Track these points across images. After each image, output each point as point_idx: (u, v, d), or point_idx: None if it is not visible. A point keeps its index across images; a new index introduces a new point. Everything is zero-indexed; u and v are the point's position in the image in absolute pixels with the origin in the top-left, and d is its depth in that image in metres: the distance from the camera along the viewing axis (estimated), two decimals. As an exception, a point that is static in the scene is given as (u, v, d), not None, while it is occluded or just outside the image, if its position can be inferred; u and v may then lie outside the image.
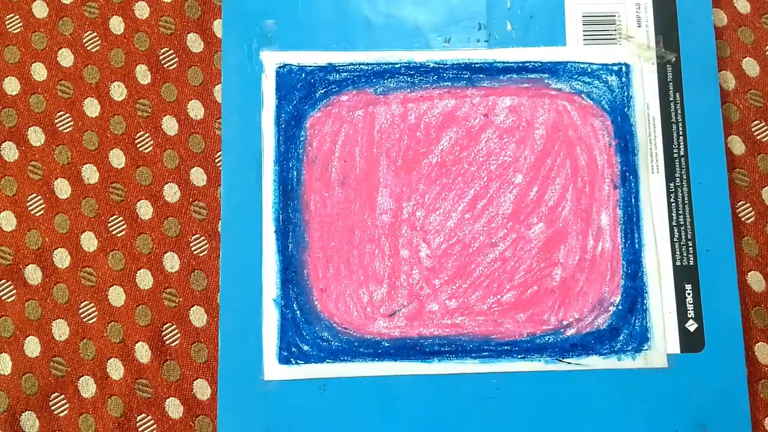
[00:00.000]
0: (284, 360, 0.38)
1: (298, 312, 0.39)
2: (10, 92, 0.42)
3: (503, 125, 0.41)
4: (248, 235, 0.39)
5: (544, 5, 0.42)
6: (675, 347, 0.38)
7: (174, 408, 0.39)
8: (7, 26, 0.42)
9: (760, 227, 0.41)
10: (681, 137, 0.40)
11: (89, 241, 0.40)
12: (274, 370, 0.38)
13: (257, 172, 0.40)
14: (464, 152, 0.40)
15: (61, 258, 0.40)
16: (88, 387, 0.39)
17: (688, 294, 0.39)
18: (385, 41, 0.41)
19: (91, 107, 0.42)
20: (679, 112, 0.41)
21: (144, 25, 0.42)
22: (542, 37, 0.41)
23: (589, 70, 0.41)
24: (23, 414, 0.39)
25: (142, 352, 0.39)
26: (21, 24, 0.42)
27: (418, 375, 0.38)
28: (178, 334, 0.39)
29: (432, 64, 0.41)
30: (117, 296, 0.40)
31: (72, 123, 0.41)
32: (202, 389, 0.39)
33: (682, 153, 0.40)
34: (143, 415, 0.39)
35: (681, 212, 0.40)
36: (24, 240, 0.40)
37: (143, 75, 0.42)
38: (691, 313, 0.39)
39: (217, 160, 0.41)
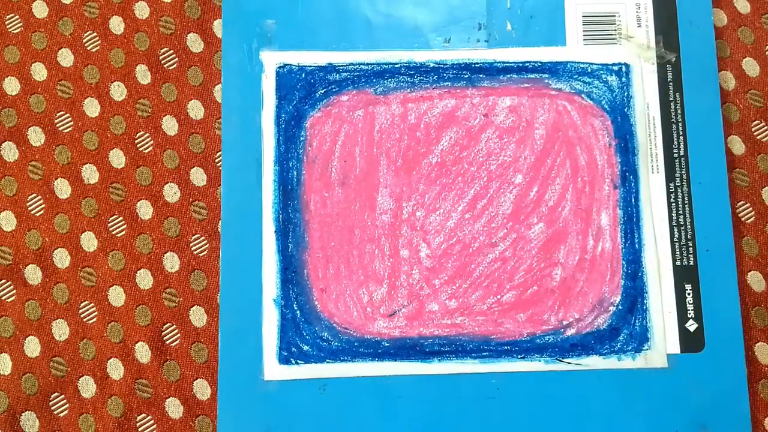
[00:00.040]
0: (284, 360, 0.38)
1: (298, 312, 0.39)
2: (10, 92, 0.42)
3: (503, 125, 0.41)
4: (248, 235, 0.39)
5: (544, 5, 0.42)
6: (675, 347, 0.38)
7: (174, 408, 0.39)
8: (7, 26, 0.42)
9: (760, 227, 0.41)
10: (681, 137, 0.40)
11: (89, 241, 0.40)
12: (274, 370, 0.38)
13: (257, 172, 0.40)
14: (464, 152, 0.40)
15: (61, 258, 0.40)
16: (88, 387, 0.39)
17: (688, 294, 0.39)
18: (385, 41, 0.41)
19: (91, 107, 0.42)
20: (679, 112, 0.41)
21: (144, 25, 0.42)
22: (542, 37, 0.41)
23: (589, 70, 0.41)
24: (23, 414, 0.39)
25: (142, 352, 0.39)
26: (21, 24, 0.42)
27: (418, 375, 0.38)
28: (178, 334, 0.39)
29: (432, 64, 0.41)
30: (117, 296, 0.40)
31: (72, 123, 0.41)
32: (202, 389, 0.39)
33: (682, 153, 0.40)
34: (143, 415, 0.39)
35: (681, 212, 0.40)
36: (24, 240, 0.40)
37: (143, 75, 0.42)
38: (691, 313, 0.39)
39: (217, 160, 0.41)
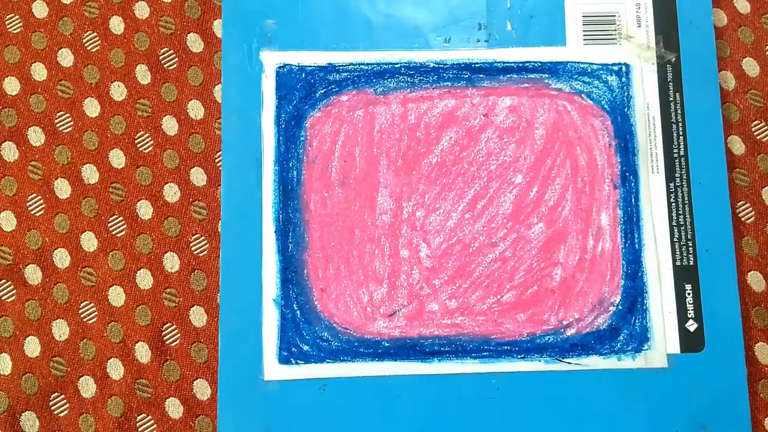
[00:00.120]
0: (284, 360, 0.38)
1: (298, 312, 0.39)
2: (10, 92, 0.42)
3: (503, 125, 0.41)
4: (248, 235, 0.39)
5: (544, 5, 0.42)
6: (675, 347, 0.38)
7: (174, 408, 0.39)
8: (7, 26, 0.42)
9: (760, 227, 0.41)
10: (681, 137, 0.40)
11: (89, 241, 0.40)
12: (274, 370, 0.38)
13: (257, 172, 0.40)
14: (464, 152, 0.40)
15: (61, 258, 0.40)
16: (88, 387, 0.39)
17: (688, 294, 0.39)
18: (385, 41, 0.41)
19: (91, 107, 0.42)
20: (679, 112, 0.41)
21: (144, 25, 0.42)
22: (542, 37, 0.41)
23: (589, 70, 0.41)
24: (23, 414, 0.39)
25: (142, 352, 0.39)
26: (21, 24, 0.42)
27: (418, 375, 0.38)
28: (178, 334, 0.39)
29: (432, 64, 0.41)
30: (117, 296, 0.40)
31: (72, 123, 0.41)
32: (202, 389, 0.39)
33: (682, 153, 0.40)
34: (143, 415, 0.39)
35: (681, 212, 0.40)
36: (24, 240, 0.40)
37: (143, 75, 0.42)
38: (691, 313, 0.39)
39: (217, 160, 0.41)
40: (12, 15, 0.43)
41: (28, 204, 0.41)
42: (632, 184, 0.40)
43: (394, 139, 0.40)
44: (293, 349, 0.38)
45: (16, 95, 0.42)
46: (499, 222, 0.40)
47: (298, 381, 0.38)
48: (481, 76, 0.41)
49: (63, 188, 0.41)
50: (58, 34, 0.42)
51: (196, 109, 0.42)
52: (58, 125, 0.41)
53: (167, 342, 0.39)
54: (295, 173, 0.40)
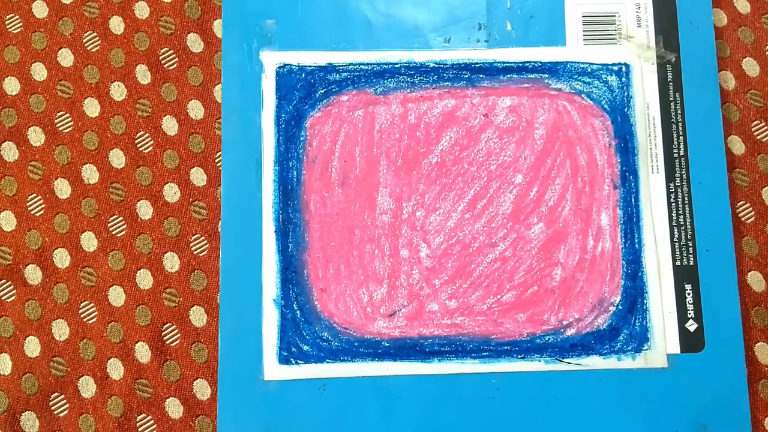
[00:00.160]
0: (284, 360, 0.38)
1: (298, 312, 0.39)
2: (10, 92, 0.42)
3: (503, 125, 0.41)
4: (248, 235, 0.39)
5: (544, 5, 0.42)
6: (675, 347, 0.38)
7: (174, 408, 0.39)
8: (7, 26, 0.42)
9: (760, 227, 0.41)
10: (681, 137, 0.40)
11: (89, 241, 0.40)
12: (274, 370, 0.38)
13: (257, 172, 0.40)
14: (464, 152, 0.40)
15: (61, 258, 0.40)
16: (88, 387, 0.39)
17: (688, 294, 0.39)
18: (385, 41, 0.41)
19: (91, 107, 0.42)
20: (679, 112, 0.41)
21: (144, 25, 0.42)
22: (542, 37, 0.41)
23: (589, 70, 0.41)
24: (23, 414, 0.39)
25: (142, 352, 0.39)
26: (21, 24, 0.42)
27: (418, 375, 0.38)
28: (178, 334, 0.39)
29: (432, 64, 0.41)
30: (117, 296, 0.40)
31: (72, 123, 0.41)
32: (202, 389, 0.39)
33: (682, 153, 0.40)
34: (143, 415, 0.39)
35: (681, 212, 0.40)
36: (24, 240, 0.40)
37: (143, 75, 0.42)
38: (691, 313, 0.39)
39: (217, 160, 0.41)
40: (12, 15, 0.43)
41: (28, 204, 0.41)
42: (632, 184, 0.40)
43: (394, 139, 0.40)
44: (293, 349, 0.38)
45: (16, 95, 0.42)
46: (499, 222, 0.40)
47: (298, 381, 0.38)
48: (481, 76, 0.41)
49: (63, 188, 0.41)
50: (58, 34, 0.42)
51: (196, 109, 0.42)
52: (58, 125, 0.41)
53: (167, 342, 0.39)
54: (295, 173, 0.40)
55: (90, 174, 0.41)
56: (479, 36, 0.41)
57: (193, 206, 0.41)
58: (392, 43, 0.41)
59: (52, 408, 0.39)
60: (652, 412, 0.38)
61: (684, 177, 0.40)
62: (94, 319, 0.39)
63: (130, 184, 0.41)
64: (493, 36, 0.41)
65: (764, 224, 0.41)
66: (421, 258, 0.39)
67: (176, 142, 0.41)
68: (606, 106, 0.41)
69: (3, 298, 0.40)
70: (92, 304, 0.40)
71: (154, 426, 0.39)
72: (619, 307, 0.39)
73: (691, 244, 0.39)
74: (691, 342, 0.38)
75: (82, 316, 0.39)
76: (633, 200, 0.40)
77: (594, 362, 0.38)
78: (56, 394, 0.39)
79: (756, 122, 0.42)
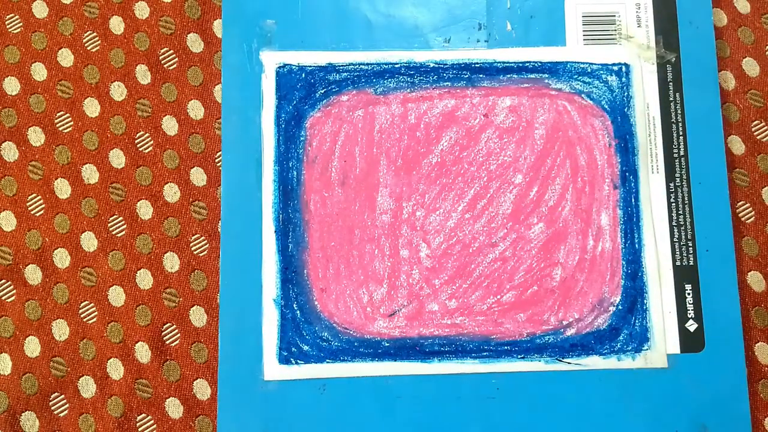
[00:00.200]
0: (284, 360, 0.38)
1: (298, 312, 0.39)
2: (10, 92, 0.42)
3: (503, 125, 0.41)
4: (248, 235, 0.39)
5: (544, 5, 0.42)
6: (675, 347, 0.38)
7: (174, 408, 0.39)
8: (7, 26, 0.42)
9: (760, 227, 0.41)
10: (681, 137, 0.40)
11: (89, 241, 0.40)
12: (274, 370, 0.38)
13: (257, 172, 0.40)
14: (464, 152, 0.40)
15: (61, 258, 0.40)
16: (88, 387, 0.39)
17: (688, 294, 0.39)
18: (385, 41, 0.41)
19: (91, 107, 0.42)
20: (679, 112, 0.41)
21: (144, 25, 0.42)
22: (542, 37, 0.41)
23: (589, 70, 0.41)
24: (23, 414, 0.39)
25: (142, 352, 0.39)
26: (21, 24, 0.42)
27: (418, 375, 0.38)
28: (178, 334, 0.39)
29: (432, 64, 0.41)
30: (117, 296, 0.40)
31: (72, 123, 0.41)
32: (202, 389, 0.39)
33: (682, 153, 0.40)
34: (143, 415, 0.39)
35: (681, 212, 0.40)
36: (24, 240, 0.40)
37: (143, 75, 0.42)
38: (691, 313, 0.39)
39: (217, 160, 0.41)
40: (12, 15, 0.43)
41: (28, 204, 0.41)
42: (632, 184, 0.40)
43: (394, 139, 0.40)
44: (293, 349, 0.38)
45: (16, 95, 0.42)
46: (499, 222, 0.40)
47: (298, 381, 0.38)
48: (481, 76, 0.41)
49: (63, 188, 0.41)
50: (58, 34, 0.42)
51: (196, 109, 0.42)
52: (58, 125, 0.41)
53: (167, 342, 0.39)
54: (295, 173, 0.40)
55: (90, 174, 0.41)
56: (479, 36, 0.41)
57: (193, 206, 0.41)
58: (392, 43, 0.41)
59: (52, 408, 0.39)
60: (652, 412, 0.38)
61: (684, 177, 0.40)
62: (94, 319, 0.39)
63: (130, 184, 0.41)
64: (493, 36, 0.41)
65: (764, 224, 0.41)
66: (421, 258, 0.39)
67: (176, 142, 0.41)
68: (606, 106, 0.41)
69: (3, 298, 0.40)
70: (92, 304, 0.40)
71: (154, 426, 0.39)
72: (619, 307, 0.39)
73: (691, 244, 0.39)
74: (691, 342, 0.38)
75: (82, 316, 0.39)
76: (633, 200, 0.40)
77: (594, 362, 0.38)
78: (56, 394, 0.39)
79: (756, 122, 0.42)
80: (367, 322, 0.39)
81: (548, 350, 0.38)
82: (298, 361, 0.38)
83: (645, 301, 0.39)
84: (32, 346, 0.39)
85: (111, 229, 0.40)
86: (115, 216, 0.40)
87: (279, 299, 0.39)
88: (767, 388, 0.39)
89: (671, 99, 0.41)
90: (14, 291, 0.40)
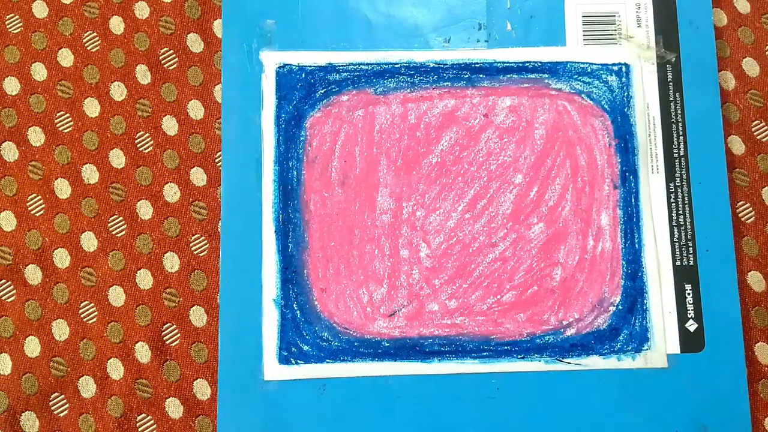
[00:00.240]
0: (284, 360, 0.38)
1: (298, 312, 0.39)
2: (10, 92, 0.42)
3: (503, 125, 0.41)
4: (248, 235, 0.39)
5: (544, 5, 0.42)
6: (675, 347, 0.38)
7: (174, 408, 0.39)
8: (7, 26, 0.42)
9: (760, 227, 0.41)
10: (681, 137, 0.40)
11: (89, 241, 0.40)
12: (274, 370, 0.38)
13: (257, 172, 0.40)
14: (464, 152, 0.40)
15: (61, 258, 0.40)
16: (88, 387, 0.39)
17: (688, 294, 0.39)
18: (385, 41, 0.41)
19: (91, 107, 0.42)
20: (679, 112, 0.41)
21: (144, 25, 0.42)
22: (542, 37, 0.41)
23: (589, 70, 0.41)
24: (23, 414, 0.39)
25: (142, 352, 0.39)
26: (21, 24, 0.42)
27: (418, 375, 0.38)
28: (178, 334, 0.39)
29: (432, 64, 0.41)
30: (117, 296, 0.40)
31: (72, 123, 0.41)
32: (202, 389, 0.39)
33: (682, 153, 0.40)
34: (143, 415, 0.39)
35: (681, 212, 0.40)
36: (24, 240, 0.40)
37: (143, 75, 0.42)
38: (691, 313, 0.39)
39: (217, 160, 0.41)
40: (12, 15, 0.43)
41: (28, 204, 0.41)
42: (632, 184, 0.40)
43: (394, 139, 0.40)
44: (293, 349, 0.38)
45: (16, 95, 0.42)
46: (499, 222, 0.40)
47: (298, 381, 0.38)
48: (481, 76, 0.41)
49: (63, 188, 0.41)
50: (58, 34, 0.42)
51: (196, 109, 0.42)
52: (58, 125, 0.41)
53: (167, 342, 0.39)
54: (295, 173, 0.40)
55: (90, 174, 0.41)
56: (479, 36, 0.41)
57: (193, 206, 0.41)
58: (392, 43, 0.41)
59: (52, 408, 0.39)
60: (652, 412, 0.38)
61: (684, 177, 0.40)
62: (94, 319, 0.39)
63: (130, 184, 0.41)
64: (493, 36, 0.41)
65: (764, 224, 0.41)
66: (421, 258, 0.39)
67: (176, 142, 0.41)
68: (606, 106, 0.41)
69: (3, 298, 0.40)
70: (92, 304, 0.40)
71: (154, 426, 0.39)
72: (619, 307, 0.39)
73: (691, 244, 0.39)
74: (691, 342, 0.38)
75: (82, 316, 0.39)
76: (633, 200, 0.40)
77: (594, 362, 0.38)
78: (56, 394, 0.39)
79: (756, 122, 0.42)
80: (367, 322, 0.39)
81: (548, 350, 0.38)
82: (298, 361, 0.38)
83: (645, 301, 0.39)
84: (32, 346, 0.39)
85: (111, 229, 0.40)
86: (115, 216, 0.40)
87: (279, 299, 0.39)
88: (767, 388, 0.39)
89: (671, 99, 0.41)
90: (14, 291, 0.40)
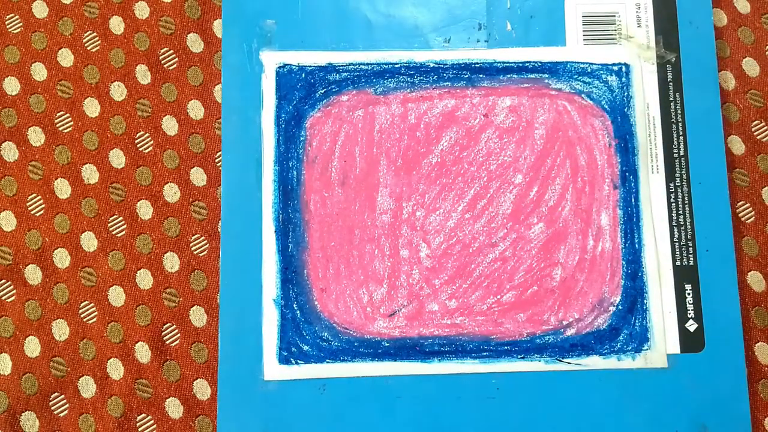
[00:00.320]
0: (284, 360, 0.38)
1: (298, 312, 0.39)
2: (10, 92, 0.42)
3: (503, 125, 0.41)
4: (248, 235, 0.39)
5: (544, 5, 0.42)
6: (675, 347, 0.38)
7: (174, 408, 0.39)
8: (7, 26, 0.42)
9: (760, 227, 0.41)
10: (681, 137, 0.40)
11: (89, 241, 0.40)
12: (274, 370, 0.38)
13: (257, 172, 0.40)
14: (464, 152, 0.40)
15: (61, 258, 0.40)
16: (88, 387, 0.39)
17: (688, 294, 0.39)
18: (385, 41, 0.41)
19: (91, 107, 0.42)
20: (679, 112, 0.41)
21: (144, 25, 0.42)
22: (542, 37, 0.41)
23: (589, 70, 0.41)
24: (23, 414, 0.39)
25: (142, 352, 0.39)
26: (21, 24, 0.42)
27: (418, 375, 0.38)
28: (178, 334, 0.39)
29: (432, 64, 0.41)
30: (117, 296, 0.40)
31: (72, 123, 0.41)
32: (202, 389, 0.39)
33: (682, 153, 0.40)
34: (143, 415, 0.39)
35: (681, 212, 0.40)
36: (24, 240, 0.40)
37: (143, 75, 0.42)
38: (691, 313, 0.39)
39: (217, 160, 0.41)
40: (12, 15, 0.43)
41: (28, 204, 0.41)
42: (632, 184, 0.40)
43: (394, 139, 0.40)
44: (293, 349, 0.38)
45: (16, 95, 0.42)
46: (499, 222, 0.40)
47: (298, 381, 0.38)
48: (481, 76, 0.41)
49: (63, 188, 0.41)
50: (58, 34, 0.42)
51: (196, 109, 0.42)
52: (58, 125, 0.41)
53: (167, 342, 0.39)
54: (295, 173, 0.40)
55: (90, 174, 0.41)
56: (479, 36, 0.41)
57: (193, 206, 0.41)
58: (392, 43, 0.41)
59: (52, 408, 0.39)
60: (652, 412, 0.38)
61: (684, 177, 0.40)
62: (94, 319, 0.39)
63: (130, 184, 0.41)
64: (493, 36, 0.41)
65: (764, 224, 0.41)
66: (421, 258, 0.39)
67: (176, 142, 0.41)
68: (606, 106, 0.41)
69: (3, 298, 0.40)
70: (92, 304, 0.40)
71: (154, 426, 0.39)
72: (619, 307, 0.39)
73: (691, 244, 0.39)
74: (691, 342, 0.38)
75: (82, 316, 0.39)
76: (633, 200, 0.40)
77: (594, 362, 0.38)
78: (56, 394, 0.39)
79: (756, 122, 0.42)
80: (367, 322, 0.39)
81: (548, 350, 0.38)
82: (298, 361, 0.38)
83: (645, 301, 0.39)
84: (32, 346, 0.39)
85: (111, 229, 0.40)
86: (115, 216, 0.40)
87: (279, 299, 0.39)
88: (767, 388, 0.39)
89: (671, 99, 0.41)
90: (14, 291, 0.40)
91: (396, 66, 0.41)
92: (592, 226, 0.39)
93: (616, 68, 0.41)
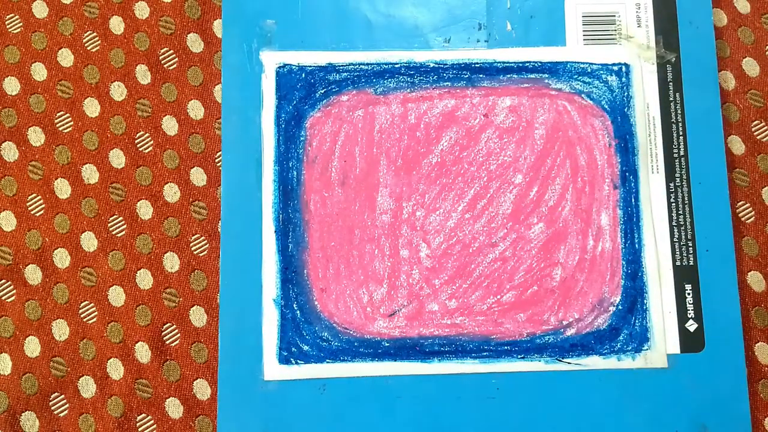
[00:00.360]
0: (284, 360, 0.38)
1: (298, 312, 0.39)
2: (10, 92, 0.42)
3: (503, 125, 0.41)
4: (248, 235, 0.39)
5: (544, 5, 0.42)
6: (675, 347, 0.38)
7: (174, 408, 0.39)
8: (7, 26, 0.42)
9: (760, 227, 0.41)
10: (681, 137, 0.40)
11: (89, 241, 0.40)
12: (274, 370, 0.38)
13: (257, 172, 0.40)
14: (464, 152, 0.40)
15: (61, 258, 0.40)
16: (88, 387, 0.39)
17: (688, 294, 0.39)
18: (385, 41, 0.41)
19: (91, 107, 0.42)
20: (679, 112, 0.41)
21: (144, 25, 0.42)
22: (542, 37, 0.41)
23: (589, 70, 0.41)
24: (23, 414, 0.39)
25: (142, 352, 0.39)
26: (21, 24, 0.42)
27: (418, 375, 0.38)
28: (178, 334, 0.39)
29: (432, 64, 0.41)
30: (117, 296, 0.40)
31: (72, 123, 0.41)
32: (202, 389, 0.39)
33: (682, 153, 0.40)
34: (143, 415, 0.39)
35: (681, 212, 0.40)
36: (24, 240, 0.40)
37: (143, 75, 0.42)
38: (691, 313, 0.39)
39: (217, 160, 0.41)
40: (12, 15, 0.43)
41: (28, 204, 0.41)
42: (632, 184, 0.40)
43: (394, 139, 0.40)
44: (293, 349, 0.38)
45: (16, 95, 0.42)
46: (499, 222, 0.40)
47: (298, 381, 0.38)
48: (481, 76, 0.41)
49: (63, 188, 0.41)
50: (58, 34, 0.42)
51: (196, 109, 0.42)
52: (58, 125, 0.41)
53: (167, 342, 0.39)
54: (295, 173, 0.40)
55: (90, 174, 0.41)
56: (479, 36, 0.41)
57: (193, 206, 0.41)
58: (392, 43, 0.41)
59: (52, 408, 0.39)
60: (652, 412, 0.38)
61: (684, 177, 0.40)
62: (94, 319, 0.39)
63: (130, 184, 0.41)
64: (493, 36, 0.41)
65: (764, 224, 0.41)
66: (421, 258, 0.39)
67: (176, 142, 0.41)
68: (606, 106, 0.41)
69: (3, 298, 0.40)
70: (92, 304, 0.40)
71: (154, 426, 0.39)
72: (619, 307, 0.39)
73: (691, 244, 0.39)
74: (691, 342, 0.38)
75: (82, 316, 0.39)
76: (633, 200, 0.40)
77: (594, 362, 0.38)
78: (56, 394, 0.39)
79: (756, 122, 0.42)
80: (367, 322, 0.39)
81: (548, 350, 0.38)
82: (298, 361, 0.38)
83: (645, 301, 0.39)
84: (32, 346, 0.39)
85: (111, 229, 0.40)
86: (115, 216, 0.40)
87: (279, 299, 0.39)
88: (767, 388, 0.39)
89: (671, 99, 0.41)
90: (14, 291, 0.40)
91: (396, 66, 0.41)
92: (592, 226, 0.39)
93: (616, 68, 0.41)
